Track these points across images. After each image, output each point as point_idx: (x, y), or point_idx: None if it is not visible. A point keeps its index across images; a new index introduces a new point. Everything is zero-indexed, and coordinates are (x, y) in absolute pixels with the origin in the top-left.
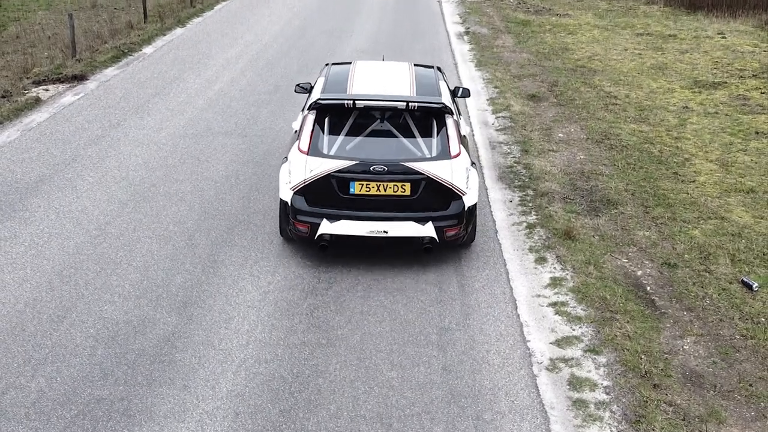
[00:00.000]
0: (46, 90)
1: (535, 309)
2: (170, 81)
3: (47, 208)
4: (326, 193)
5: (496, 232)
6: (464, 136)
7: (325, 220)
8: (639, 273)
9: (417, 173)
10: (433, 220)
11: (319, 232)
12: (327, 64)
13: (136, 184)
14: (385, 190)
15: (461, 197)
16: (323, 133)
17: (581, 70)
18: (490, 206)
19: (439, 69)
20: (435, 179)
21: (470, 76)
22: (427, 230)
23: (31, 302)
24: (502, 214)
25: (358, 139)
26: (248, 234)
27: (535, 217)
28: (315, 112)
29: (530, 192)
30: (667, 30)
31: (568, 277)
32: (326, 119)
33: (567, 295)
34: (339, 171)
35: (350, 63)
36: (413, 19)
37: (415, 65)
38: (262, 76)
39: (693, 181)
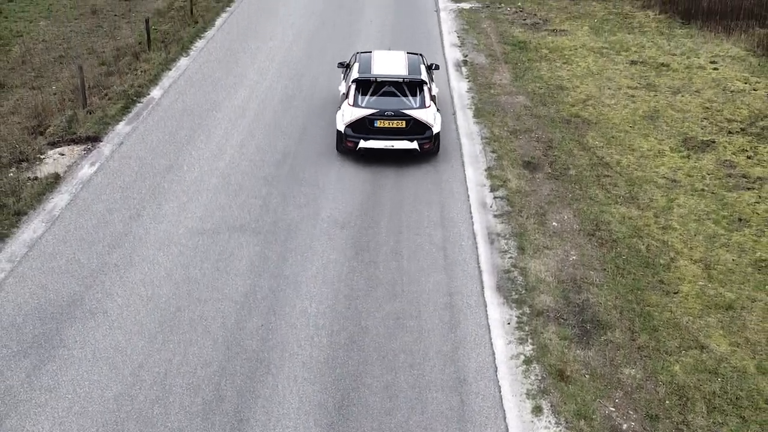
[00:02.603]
0: (62, 155)
1: None
2: (181, 146)
3: (83, 344)
4: (362, 126)
5: (496, 369)
6: (434, 95)
7: (361, 140)
8: (624, 426)
9: (408, 116)
10: (417, 140)
11: (359, 146)
12: (357, 53)
13: (162, 308)
14: (392, 124)
15: (431, 128)
16: (360, 94)
17: (575, 122)
18: (489, 330)
19: (421, 55)
20: (417, 119)
21: (468, 132)
22: (414, 145)
23: None
24: (501, 342)
25: (377, 97)
26: (269, 378)
27: (531, 347)
28: (355, 83)
29: (526, 310)
30: (660, 55)
31: None
32: (361, 87)
33: None
34: (369, 115)
35: (371, 52)
36: (411, 39)
37: (407, 53)
38: (269, 139)
39: (677, 293)
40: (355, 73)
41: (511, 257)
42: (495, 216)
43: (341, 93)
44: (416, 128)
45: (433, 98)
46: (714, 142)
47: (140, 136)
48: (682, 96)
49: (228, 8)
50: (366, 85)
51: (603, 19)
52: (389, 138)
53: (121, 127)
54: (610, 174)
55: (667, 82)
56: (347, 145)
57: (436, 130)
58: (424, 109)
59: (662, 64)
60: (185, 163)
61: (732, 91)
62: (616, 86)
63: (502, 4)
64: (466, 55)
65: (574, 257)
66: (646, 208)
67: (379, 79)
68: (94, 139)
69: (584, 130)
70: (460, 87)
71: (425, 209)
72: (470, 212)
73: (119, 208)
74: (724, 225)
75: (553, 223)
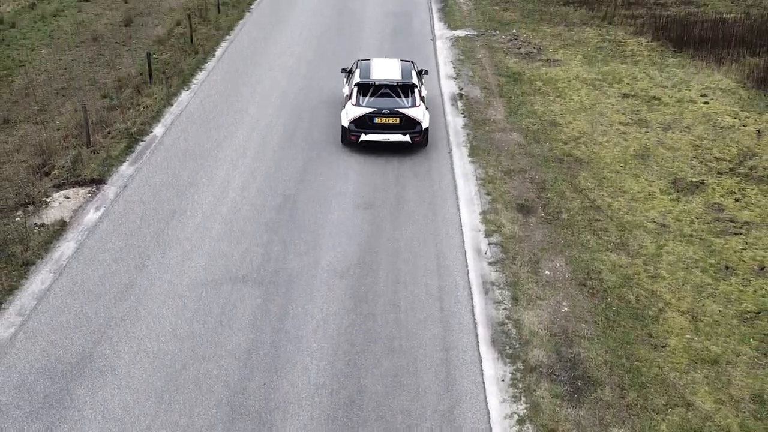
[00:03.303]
0: (67, 198)
1: None
2: (184, 189)
3: (93, 404)
4: (363, 122)
5: (491, 429)
6: (423, 96)
7: (362, 134)
8: None
9: (402, 113)
10: (409, 133)
11: (361, 139)
12: (357, 60)
13: (168, 365)
14: (388, 120)
15: (421, 123)
16: (361, 95)
17: (567, 161)
18: (484, 388)
19: (413, 62)
20: (409, 116)
21: (464, 172)
22: (407, 138)
23: None
24: (495, 401)
25: (376, 98)
26: None
27: (524, 405)
28: (357, 86)
29: (520, 365)
30: (652, 87)
31: None
32: (362, 89)
33: None
34: (369, 113)
35: (369, 59)
36: None
37: (401, 60)
38: (270, 180)
39: (664, 347)
40: (356, 78)
41: (505, 308)
42: (489, 263)
43: (345, 95)
44: (408, 124)
45: (422, 99)
46: (703, 183)
47: (144, 178)
48: (673, 132)
49: (228, 36)
50: (366, 88)
51: (596, 47)
52: (386, 132)
53: (125, 168)
54: (601, 218)
55: (659, 118)
56: (351, 138)
57: (425, 125)
58: (415, 108)
59: (654, 98)
60: (188, 208)
61: (722, 128)
62: (608, 122)
63: (497, 32)
64: (462, 88)
65: (566, 308)
66: (636, 255)
67: (377, 83)
68: (98, 182)
69: (576, 170)
70: (456, 123)
71: (422, 256)
72: (465, 259)
73: (124, 257)
74: (711, 274)
75: (546, 272)
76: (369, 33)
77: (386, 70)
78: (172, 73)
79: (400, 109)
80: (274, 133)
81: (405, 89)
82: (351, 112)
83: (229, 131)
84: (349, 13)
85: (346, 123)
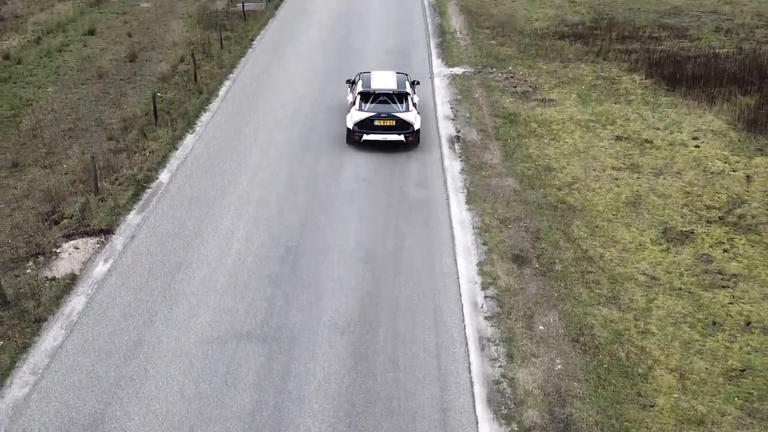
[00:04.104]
0: (77, 248)
1: None
2: (190, 240)
3: None
4: (365, 124)
5: None
6: (415, 103)
7: (364, 134)
8: None
9: (397, 117)
10: (403, 134)
11: (363, 138)
12: (359, 73)
13: (176, 427)
14: (386, 123)
15: (412, 125)
16: (363, 102)
17: (561, 208)
18: None
19: (406, 75)
20: (403, 119)
21: (461, 219)
22: (401, 137)
23: None
24: None
25: (375, 104)
26: None
27: None
28: (360, 94)
29: (515, 427)
30: (644, 129)
31: None
32: (364, 97)
33: None
34: (369, 117)
35: (370, 72)
36: None
37: (396, 73)
38: (273, 230)
39: (653, 406)
40: (359, 87)
41: (500, 366)
42: (486, 318)
43: (349, 102)
44: (402, 126)
45: (414, 105)
46: (693, 232)
47: (150, 228)
48: (664, 178)
49: (231, 74)
50: (367, 96)
51: (591, 85)
52: (384, 132)
53: (132, 217)
54: (594, 270)
55: (650, 162)
56: (354, 137)
57: (416, 127)
58: (408, 112)
59: (646, 140)
60: (194, 260)
61: (712, 173)
62: (601, 166)
63: (494, 69)
64: (459, 130)
65: (559, 366)
66: (627, 309)
67: (376, 92)
68: (106, 232)
69: (570, 218)
70: (453, 168)
71: (420, 311)
72: (462, 313)
73: (133, 313)
74: (699, 329)
75: (540, 327)
76: (370, 69)
77: (384, 80)
78: (176, 115)
79: (395, 113)
80: (276, 179)
81: (400, 97)
82: (355, 116)
83: (233, 177)
84: (349, 51)
85: (350, 125)
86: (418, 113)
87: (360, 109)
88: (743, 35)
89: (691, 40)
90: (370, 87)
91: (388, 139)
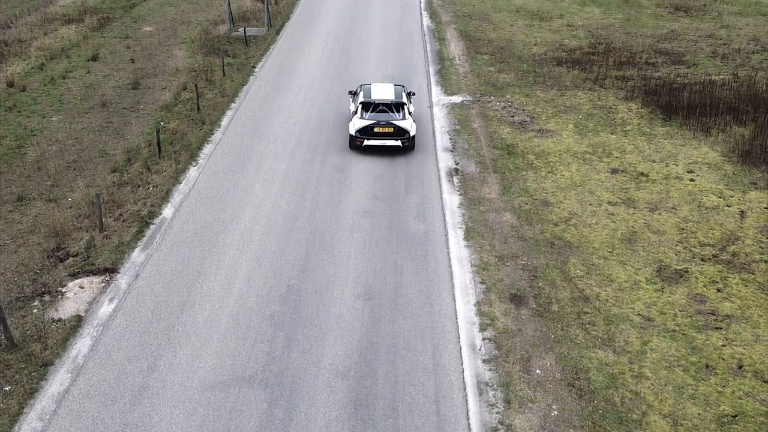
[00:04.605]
0: (82, 288)
1: None
2: (193, 279)
3: None
4: (366, 131)
5: None
6: (411, 112)
7: (365, 139)
8: None
9: (394, 124)
10: (400, 139)
11: (364, 144)
12: (361, 85)
13: None
14: (384, 129)
15: (408, 132)
16: (364, 111)
17: (558, 245)
18: None
19: (403, 86)
20: (400, 126)
21: (459, 257)
22: (398, 143)
23: None
24: None
25: (375, 113)
26: None
27: None
28: (361, 104)
29: None
30: (640, 162)
31: None
32: (365, 106)
33: None
34: (370, 124)
35: (370, 84)
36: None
37: (394, 85)
38: (275, 268)
39: None
40: (361, 98)
41: (498, 412)
42: (484, 361)
43: (351, 111)
44: (399, 132)
45: (410, 113)
46: (687, 271)
47: (154, 267)
48: (659, 214)
49: (233, 104)
50: (368, 105)
51: (588, 114)
52: (383, 138)
53: (136, 255)
54: (590, 310)
55: (646, 197)
56: (356, 143)
57: (412, 133)
58: (404, 120)
59: (642, 174)
60: (197, 300)
61: (707, 208)
62: (597, 201)
63: (492, 97)
64: (458, 163)
65: (555, 412)
66: (622, 351)
67: (376, 102)
68: (111, 271)
69: (567, 255)
70: (452, 202)
71: (419, 353)
72: (461, 356)
73: (137, 356)
74: (692, 373)
75: (537, 371)
76: None
77: (383, 92)
78: (179, 147)
79: (393, 121)
80: (277, 213)
81: (397, 106)
82: (357, 123)
83: (235, 212)
84: (349, 77)
85: (353, 132)
86: (414, 121)
87: (361, 117)
88: (739, 61)
89: (687, 66)
90: (370, 97)
91: (386, 144)
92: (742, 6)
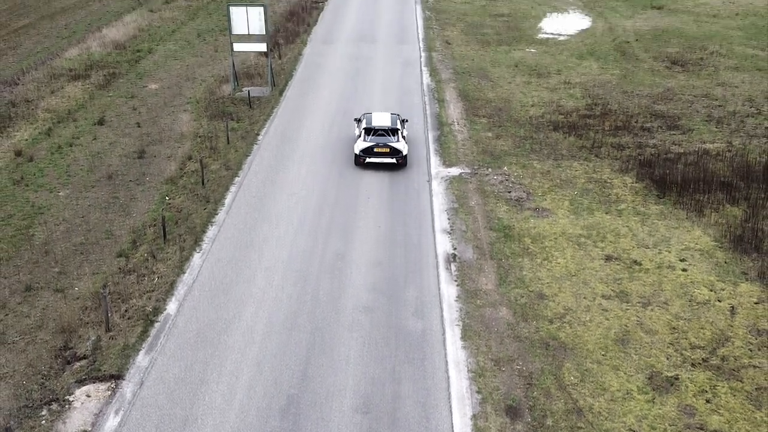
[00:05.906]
0: (89, 396)
1: None
2: (196, 389)
3: None
4: (368, 151)
5: None
6: (404, 135)
7: (367, 157)
8: None
9: (390, 146)
10: (395, 157)
11: (366, 161)
12: (364, 113)
13: None
14: (382, 150)
15: (402, 152)
16: (366, 135)
17: (553, 346)
18: None
19: (398, 115)
20: (395, 147)
21: (456, 360)
22: (393, 160)
23: None
24: None
25: (375, 136)
26: None
27: None
28: (364, 130)
29: None
30: (633, 248)
31: None
32: (367, 131)
33: None
34: (371, 145)
35: (371, 113)
36: (404, 222)
37: (390, 113)
38: (275, 375)
39: None
40: (364, 124)
41: None
42: None
43: (356, 134)
44: (394, 152)
45: (403, 137)
46: (677, 378)
47: (159, 373)
48: (652, 310)
49: (237, 178)
50: (369, 130)
51: (583, 189)
52: (381, 157)
53: (141, 359)
54: (583, 425)
55: (638, 289)
56: (360, 161)
57: (404, 153)
58: (398, 142)
59: (635, 262)
60: (199, 414)
61: (698, 303)
62: (591, 294)
63: (490, 169)
64: (455, 248)
65: None
66: None
67: (376, 127)
68: (117, 377)
69: (561, 358)
70: (449, 295)
71: None
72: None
73: None
74: None
75: None
76: (371, 177)
77: (382, 119)
78: (184, 231)
79: (389, 143)
80: (279, 309)
81: (392, 131)
82: (360, 145)
83: (237, 310)
84: (351, 143)
85: (357, 151)
86: (407, 143)
87: (364, 140)
88: (734, 126)
89: (683, 132)
90: (371, 124)
91: (384, 161)
92: (738, 60)
